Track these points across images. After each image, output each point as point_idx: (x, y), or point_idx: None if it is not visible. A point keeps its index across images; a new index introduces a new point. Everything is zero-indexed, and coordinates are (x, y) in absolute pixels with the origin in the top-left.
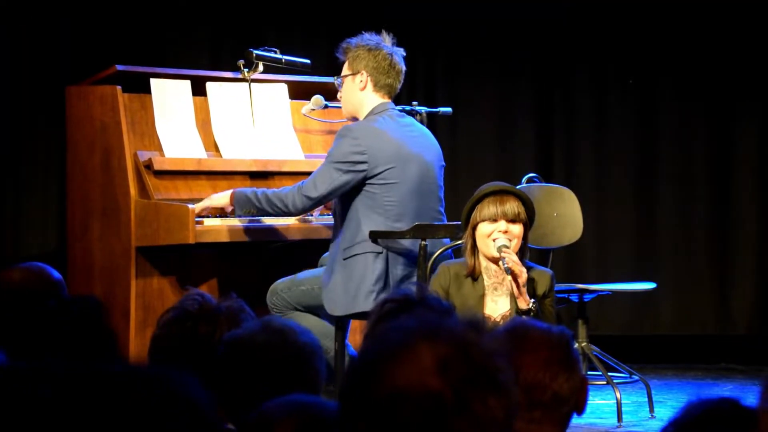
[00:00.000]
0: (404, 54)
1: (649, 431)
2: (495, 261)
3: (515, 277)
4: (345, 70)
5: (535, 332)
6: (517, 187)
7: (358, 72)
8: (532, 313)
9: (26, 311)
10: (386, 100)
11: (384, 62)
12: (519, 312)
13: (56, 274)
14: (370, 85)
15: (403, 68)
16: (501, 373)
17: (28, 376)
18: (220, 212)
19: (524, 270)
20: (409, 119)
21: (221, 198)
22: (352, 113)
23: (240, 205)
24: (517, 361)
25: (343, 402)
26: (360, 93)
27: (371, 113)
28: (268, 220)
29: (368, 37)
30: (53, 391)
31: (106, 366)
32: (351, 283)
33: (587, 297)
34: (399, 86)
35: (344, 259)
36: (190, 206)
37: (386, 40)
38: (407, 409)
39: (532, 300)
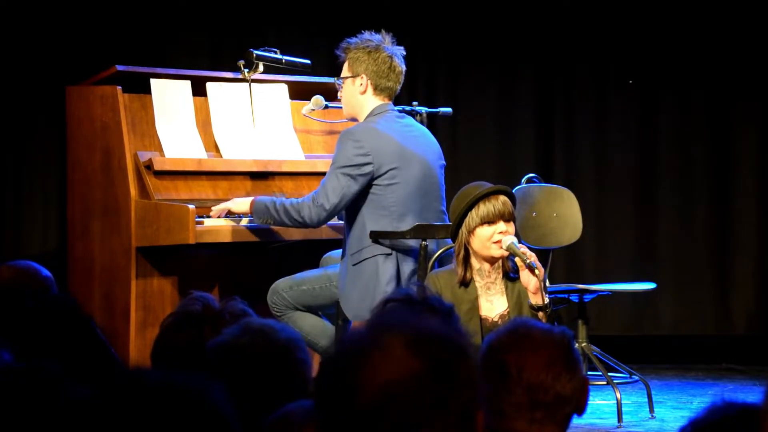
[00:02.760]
0: (404, 53)
1: (649, 431)
2: (492, 261)
3: (533, 272)
4: (345, 71)
5: (537, 332)
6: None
7: (358, 75)
8: (548, 310)
9: (12, 309)
10: (386, 102)
11: (384, 65)
12: (535, 308)
13: (45, 271)
14: (370, 89)
15: (404, 69)
16: (462, 337)
17: (58, 380)
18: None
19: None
20: (409, 120)
21: (242, 204)
22: (352, 115)
23: (259, 215)
24: (520, 362)
25: (325, 413)
26: (360, 96)
27: (371, 114)
28: None
29: (368, 38)
30: (90, 398)
31: (144, 375)
32: (366, 287)
33: (587, 297)
34: (399, 87)
35: (354, 265)
36: (191, 206)
37: (386, 40)
38: (399, 399)
39: (548, 296)
